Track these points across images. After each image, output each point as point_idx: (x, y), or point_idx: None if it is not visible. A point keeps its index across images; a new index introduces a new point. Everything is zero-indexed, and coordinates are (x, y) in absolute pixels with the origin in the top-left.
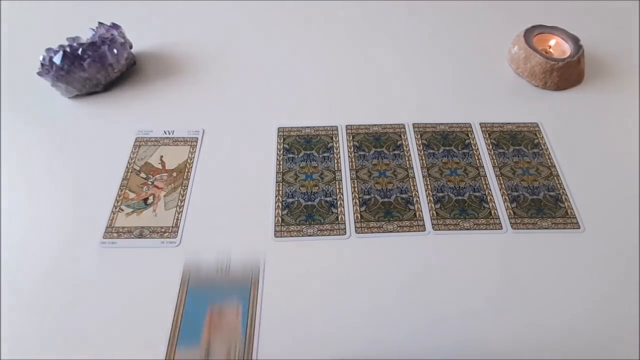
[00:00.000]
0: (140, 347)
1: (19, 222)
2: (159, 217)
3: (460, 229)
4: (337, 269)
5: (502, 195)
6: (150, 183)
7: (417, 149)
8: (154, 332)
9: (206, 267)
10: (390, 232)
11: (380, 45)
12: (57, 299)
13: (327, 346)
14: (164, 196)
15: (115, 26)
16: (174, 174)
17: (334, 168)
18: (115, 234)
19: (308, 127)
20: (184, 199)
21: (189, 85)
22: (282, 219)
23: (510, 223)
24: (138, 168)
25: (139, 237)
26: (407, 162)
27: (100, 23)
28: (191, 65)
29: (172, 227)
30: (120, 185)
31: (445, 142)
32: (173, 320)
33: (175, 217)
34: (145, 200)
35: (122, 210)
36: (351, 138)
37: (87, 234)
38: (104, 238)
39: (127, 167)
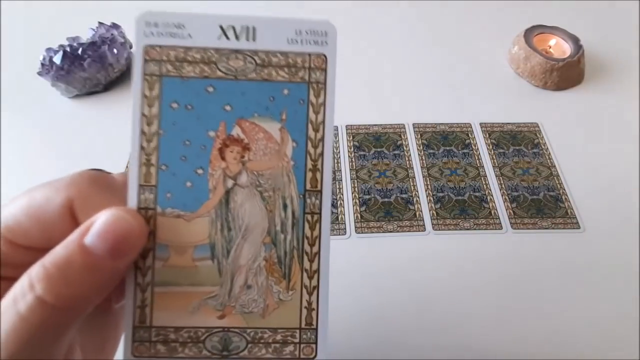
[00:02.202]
0: None
1: None
2: None
3: (460, 229)
4: (336, 269)
5: (502, 195)
6: None
7: (417, 149)
8: None
9: None
10: (391, 232)
11: (380, 45)
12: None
13: (326, 346)
14: None
15: (115, 26)
16: None
17: (335, 168)
18: None
19: None
20: None
21: None
22: None
23: (510, 223)
24: None
25: None
26: (407, 162)
27: (100, 23)
28: None
29: None
30: None
31: (445, 142)
32: None
33: None
34: None
35: None
36: (351, 138)
37: None
38: None
39: (127, 167)
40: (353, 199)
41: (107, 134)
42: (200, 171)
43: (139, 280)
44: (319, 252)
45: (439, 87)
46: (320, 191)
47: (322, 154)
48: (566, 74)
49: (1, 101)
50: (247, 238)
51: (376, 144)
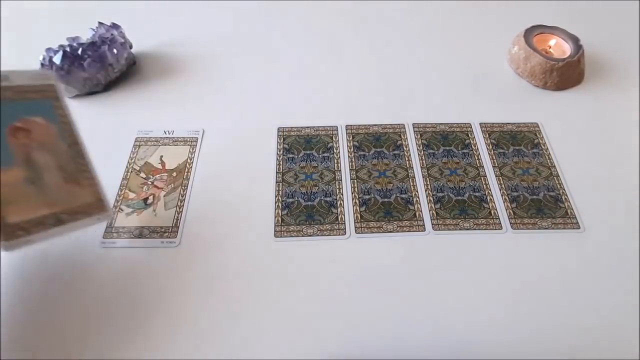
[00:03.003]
0: (140, 347)
1: None
2: (159, 217)
3: (460, 229)
4: (336, 269)
5: (502, 195)
6: (150, 183)
7: (417, 149)
8: (156, 328)
9: None
10: (390, 232)
11: (380, 45)
12: (58, 299)
13: (326, 346)
14: (164, 196)
15: (115, 26)
16: (174, 174)
17: (334, 168)
18: (115, 234)
19: (308, 127)
20: (184, 199)
21: (189, 85)
22: (282, 219)
23: (510, 223)
24: (138, 168)
25: (139, 237)
26: (407, 162)
27: (100, 23)
28: (191, 65)
29: (172, 227)
30: (120, 185)
31: (445, 142)
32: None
33: (175, 217)
34: (145, 200)
35: (122, 210)
36: (351, 138)
37: (88, 234)
38: (104, 238)
39: (127, 167)
40: (353, 199)
41: (107, 133)
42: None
43: None
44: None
45: (439, 87)
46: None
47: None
48: (566, 74)
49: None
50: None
51: (376, 144)
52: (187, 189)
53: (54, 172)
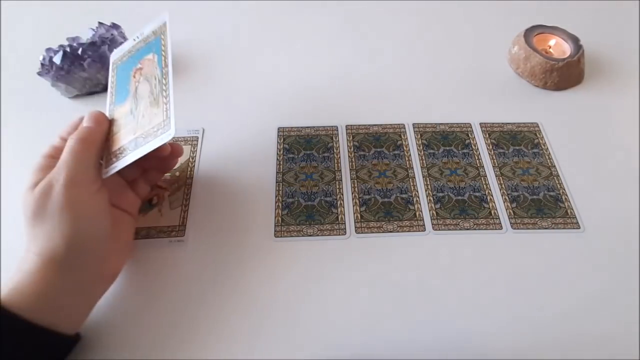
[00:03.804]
0: (147, 347)
1: (20, 223)
2: (165, 217)
3: (460, 229)
4: (336, 269)
5: (502, 195)
6: None
7: (417, 149)
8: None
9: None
10: (390, 232)
11: (380, 45)
12: None
13: (326, 346)
14: (169, 196)
15: (115, 26)
16: (177, 173)
17: (334, 168)
18: None
19: (308, 127)
20: (189, 198)
21: (188, 84)
22: (282, 219)
23: (510, 223)
24: None
25: (146, 238)
26: (407, 162)
27: (100, 23)
28: (191, 65)
29: (179, 225)
30: None
31: (445, 142)
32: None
33: (182, 216)
34: (150, 201)
35: None
36: (351, 138)
37: None
38: None
39: None
40: (353, 199)
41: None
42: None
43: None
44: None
45: (439, 87)
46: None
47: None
48: (566, 74)
49: (1, 101)
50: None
51: (376, 144)
52: (190, 187)
53: (146, 99)
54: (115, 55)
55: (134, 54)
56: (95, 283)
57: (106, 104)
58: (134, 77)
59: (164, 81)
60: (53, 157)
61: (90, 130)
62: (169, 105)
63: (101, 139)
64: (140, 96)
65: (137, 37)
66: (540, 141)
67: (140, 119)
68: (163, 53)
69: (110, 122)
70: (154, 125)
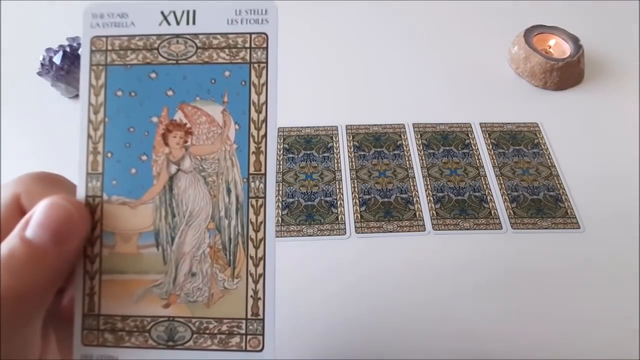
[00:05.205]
0: None
1: None
2: None
3: (460, 229)
4: (337, 269)
5: (502, 195)
6: None
7: (417, 149)
8: None
9: None
10: (390, 232)
11: (380, 45)
12: None
13: (326, 346)
14: None
15: None
16: None
17: (334, 168)
18: None
19: (308, 127)
20: None
21: None
22: (282, 219)
23: (510, 223)
24: None
25: None
26: (407, 162)
27: None
28: None
29: None
30: None
31: (445, 142)
32: None
33: None
34: None
35: None
36: (351, 138)
37: None
38: None
39: None
40: (353, 199)
41: None
42: (144, 157)
43: (88, 268)
44: (264, 238)
45: (439, 87)
46: (265, 174)
47: (265, 135)
48: (566, 74)
49: (1, 101)
50: (191, 224)
51: (376, 144)
52: None
53: (201, 225)
54: (98, 29)
55: (163, 74)
56: None
57: (78, 168)
58: (164, 142)
59: (252, 219)
60: None
61: (36, 266)
62: (265, 290)
63: (58, 281)
64: (188, 212)
65: (177, 18)
66: (540, 141)
67: (181, 277)
68: (254, 119)
69: (93, 236)
70: (231, 319)
